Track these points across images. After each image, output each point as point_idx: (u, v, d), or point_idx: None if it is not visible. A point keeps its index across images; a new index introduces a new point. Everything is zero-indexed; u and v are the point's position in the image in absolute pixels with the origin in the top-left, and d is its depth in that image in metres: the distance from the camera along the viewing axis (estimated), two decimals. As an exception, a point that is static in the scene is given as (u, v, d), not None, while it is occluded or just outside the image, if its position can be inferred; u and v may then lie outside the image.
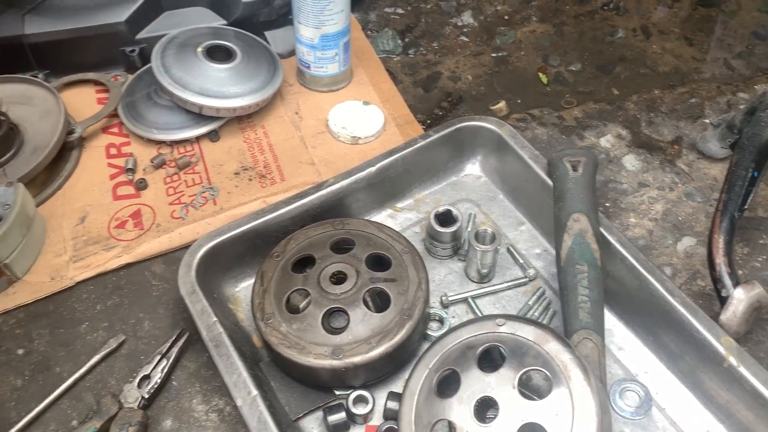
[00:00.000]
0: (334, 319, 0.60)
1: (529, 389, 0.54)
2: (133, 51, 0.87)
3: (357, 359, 0.55)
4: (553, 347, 0.51)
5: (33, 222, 0.69)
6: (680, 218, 0.73)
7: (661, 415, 0.58)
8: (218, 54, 0.80)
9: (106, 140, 0.81)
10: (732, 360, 0.54)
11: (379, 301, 0.60)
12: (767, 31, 0.98)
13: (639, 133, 0.83)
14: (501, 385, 0.50)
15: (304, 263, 0.61)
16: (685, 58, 0.94)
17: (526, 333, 0.52)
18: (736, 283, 0.59)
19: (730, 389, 0.55)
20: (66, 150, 0.78)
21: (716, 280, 0.60)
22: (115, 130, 0.82)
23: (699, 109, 0.86)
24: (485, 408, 0.51)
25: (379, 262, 0.61)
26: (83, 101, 0.85)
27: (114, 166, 0.78)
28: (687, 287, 0.67)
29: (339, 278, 0.59)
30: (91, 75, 0.87)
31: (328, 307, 0.57)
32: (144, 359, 0.62)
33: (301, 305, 0.59)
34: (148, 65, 0.82)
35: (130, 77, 0.85)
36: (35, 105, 0.79)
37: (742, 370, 0.54)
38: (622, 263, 0.61)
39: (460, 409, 0.50)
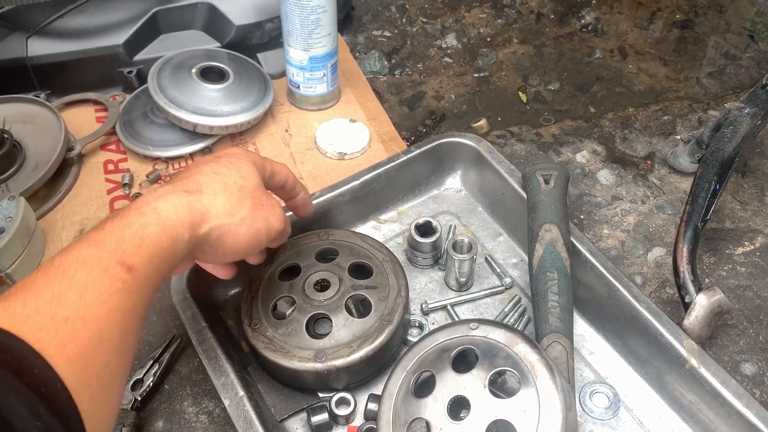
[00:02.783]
0: (317, 325, 0.63)
1: (500, 389, 0.57)
2: (130, 72, 0.91)
3: (339, 362, 0.58)
4: (522, 349, 0.54)
5: (33, 234, 0.72)
6: (651, 230, 0.77)
7: (629, 415, 0.61)
8: (212, 75, 0.84)
9: (104, 157, 0.85)
10: (693, 362, 0.57)
11: (361, 308, 0.63)
12: (738, 53, 1.02)
13: (613, 149, 0.87)
14: (473, 384, 0.53)
15: (290, 272, 0.65)
16: (660, 78, 0.98)
17: (497, 336, 0.56)
18: (699, 290, 0.62)
19: (693, 390, 0.58)
20: (66, 166, 0.82)
21: (680, 287, 0.64)
22: (113, 147, 0.86)
23: (671, 126, 0.90)
24: (458, 407, 0.54)
25: (361, 271, 0.64)
26: (83, 120, 0.88)
27: (111, 182, 0.82)
28: (656, 295, 0.71)
29: (323, 286, 0.62)
30: (90, 95, 0.91)
31: (312, 313, 0.60)
32: (137, 364, 0.64)
33: (287, 312, 0.62)
34: (144, 85, 0.86)
35: (128, 97, 0.89)
36: (37, 123, 0.83)
37: (703, 371, 0.57)
38: (591, 271, 0.64)
39: (434, 408, 0.53)
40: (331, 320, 0.60)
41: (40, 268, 0.40)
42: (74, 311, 0.37)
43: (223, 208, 0.50)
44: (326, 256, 0.66)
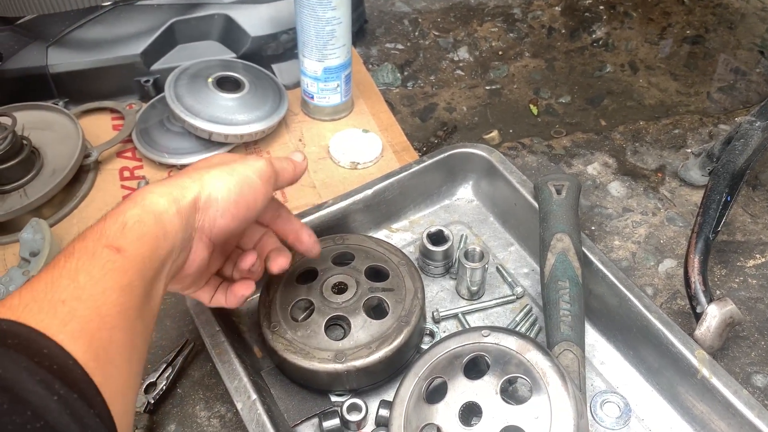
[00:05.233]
0: (336, 327, 0.64)
1: (511, 397, 0.58)
2: (147, 81, 0.92)
3: (358, 363, 0.59)
4: (534, 356, 0.54)
5: (51, 243, 0.73)
6: (662, 241, 0.77)
7: (640, 425, 0.61)
8: (227, 84, 0.85)
9: (120, 164, 0.86)
10: (705, 372, 0.57)
11: (378, 310, 0.64)
12: (748, 69, 1.03)
13: (624, 161, 0.87)
14: (485, 391, 0.53)
15: (307, 275, 0.65)
16: (670, 92, 0.98)
17: (509, 343, 0.56)
18: (710, 300, 0.62)
19: (704, 400, 0.58)
20: (82, 172, 0.83)
21: (691, 297, 0.64)
22: (129, 154, 0.87)
23: (682, 140, 0.90)
24: (470, 413, 0.54)
25: (377, 274, 0.65)
26: (100, 127, 0.90)
27: (127, 188, 0.83)
28: (667, 306, 0.71)
29: (340, 288, 0.63)
30: (107, 103, 0.92)
31: (331, 315, 0.61)
32: (151, 367, 0.65)
33: (305, 314, 0.63)
34: (161, 94, 0.88)
35: (144, 105, 0.90)
36: (55, 130, 0.84)
37: (714, 381, 0.57)
38: (603, 281, 0.65)
39: (446, 413, 0.53)
40: (349, 322, 0.61)
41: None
42: (69, 293, 0.38)
43: (208, 175, 0.50)
44: (342, 260, 0.66)
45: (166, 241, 0.45)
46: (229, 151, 0.85)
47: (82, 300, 0.38)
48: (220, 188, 0.49)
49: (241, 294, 0.58)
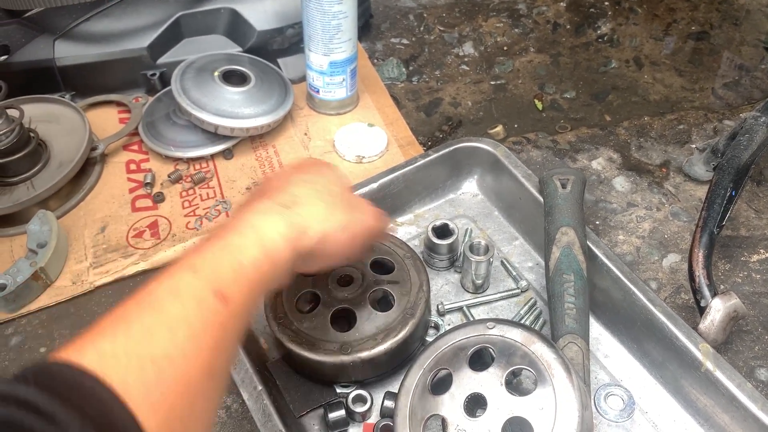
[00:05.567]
0: (341, 319, 0.64)
1: (515, 389, 0.58)
2: (154, 75, 0.92)
3: (364, 354, 0.59)
4: (539, 348, 0.55)
5: (59, 234, 0.74)
6: (666, 236, 0.77)
7: (644, 418, 0.61)
8: (233, 78, 0.86)
9: (127, 156, 0.86)
10: (708, 365, 0.58)
11: (384, 302, 0.64)
12: (753, 65, 1.03)
13: (629, 156, 0.87)
14: (490, 382, 0.54)
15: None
16: (675, 88, 0.99)
17: (514, 335, 0.56)
18: (714, 294, 0.63)
19: (708, 393, 0.58)
20: (89, 165, 0.83)
21: (696, 291, 0.64)
22: (135, 147, 0.88)
23: (686, 135, 0.90)
24: (475, 404, 0.54)
25: (382, 267, 0.65)
26: (106, 120, 0.90)
27: (133, 181, 0.83)
28: (671, 300, 0.71)
29: (346, 281, 0.64)
30: (114, 96, 0.92)
31: (336, 307, 0.62)
32: (158, 358, 0.66)
33: (311, 306, 0.64)
34: (167, 88, 0.88)
35: (151, 99, 0.90)
36: (62, 123, 0.85)
37: (718, 374, 0.57)
38: (607, 275, 0.65)
39: (451, 405, 0.54)
40: (355, 314, 0.61)
41: (134, 295, 0.37)
42: (162, 350, 0.35)
43: (322, 217, 0.48)
44: (347, 253, 0.67)
45: (271, 287, 0.44)
46: (235, 145, 0.86)
47: (174, 361, 0.35)
48: (338, 242, 0.49)
49: None
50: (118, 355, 0.33)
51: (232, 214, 0.51)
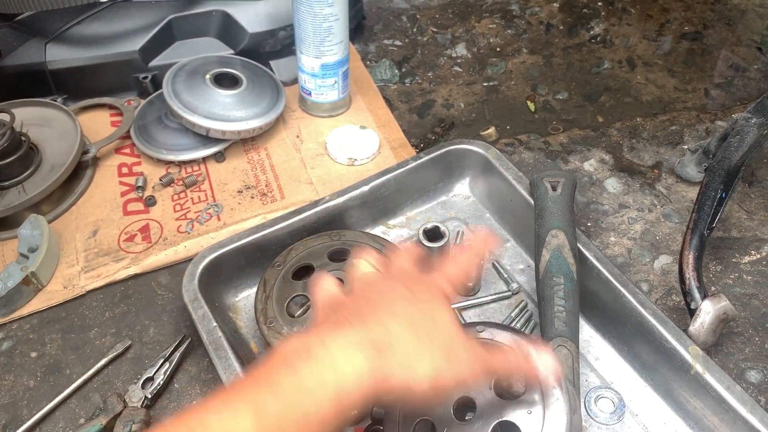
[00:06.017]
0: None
1: (505, 391, 0.58)
2: (145, 77, 0.92)
3: None
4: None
5: (50, 237, 0.74)
6: (658, 238, 0.77)
7: (634, 421, 0.61)
8: (225, 81, 0.85)
9: (119, 160, 0.86)
10: (698, 367, 0.58)
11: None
12: (746, 65, 1.03)
13: (621, 158, 0.87)
14: (479, 386, 0.54)
15: (303, 271, 0.66)
16: (668, 89, 0.99)
17: (503, 338, 0.56)
18: (705, 296, 0.63)
19: (698, 396, 0.58)
20: (81, 168, 0.83)
21: (686, 293, 0.64)
22: (127, 150, 0.87)
23: (678, 136, 0.90)
24: (464, 408, 0.54)
25: (372, 271, 0.65)
26: (98, 124, 0.90)
27: (125, 184, 0.83)
28: (662, 302, 0.71)
29: (336, 285, 0.63)
30: (106, 99, 0.92)
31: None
32: (148, 363, 0.66)
33: (302, 310, 0.63)
34: (159, 91, 0.88)
35: (143, 102, 0.90)
36: (54, 127, 0.85)
37: (708, 377, 0.57)
38: (598, 277, 0.65)
39: (440, 408, 0.54)
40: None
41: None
42: None
43: (410, 363, 0.42)
44: (339, 256, 0.67)
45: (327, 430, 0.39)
46: (226, 148, 0.85)
47: None
48: (420, 394, 0.42)
49: None
50: None
51: (314, 315, 0.47)
